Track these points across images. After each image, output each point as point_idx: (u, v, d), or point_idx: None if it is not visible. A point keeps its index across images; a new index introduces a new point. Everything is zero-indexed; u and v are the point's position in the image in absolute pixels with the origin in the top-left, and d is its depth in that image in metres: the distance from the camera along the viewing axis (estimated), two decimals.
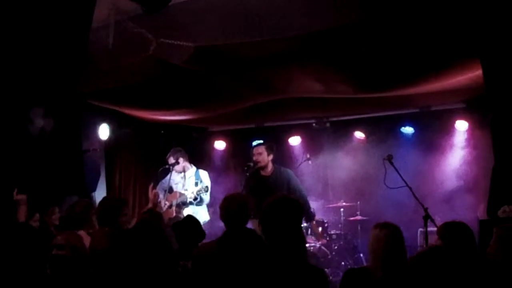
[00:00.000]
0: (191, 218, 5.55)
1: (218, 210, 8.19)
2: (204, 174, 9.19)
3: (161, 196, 9.02)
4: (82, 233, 5.11)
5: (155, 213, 5.93)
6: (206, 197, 8.87)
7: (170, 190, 8.97)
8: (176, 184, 9.11)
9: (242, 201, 4.91)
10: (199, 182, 8.93)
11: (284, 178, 7.90)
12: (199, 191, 8.62)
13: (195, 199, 8.69)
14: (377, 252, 4.16)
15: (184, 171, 9.13)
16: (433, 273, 3.82)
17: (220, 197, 10.42)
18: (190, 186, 8.93)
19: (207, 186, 8.74)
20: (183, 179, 9.12)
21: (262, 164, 7.88)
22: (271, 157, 7.96)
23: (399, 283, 3.99)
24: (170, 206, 8.80)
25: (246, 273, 3.73)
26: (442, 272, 3.85)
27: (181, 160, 8.99)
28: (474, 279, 4.03)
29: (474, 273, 4.08)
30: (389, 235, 4.16)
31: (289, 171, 8.14)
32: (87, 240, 4.62)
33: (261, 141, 8.42)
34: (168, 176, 9.09)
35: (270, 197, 3.90)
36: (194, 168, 9.22)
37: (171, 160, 9.04)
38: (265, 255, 3.75)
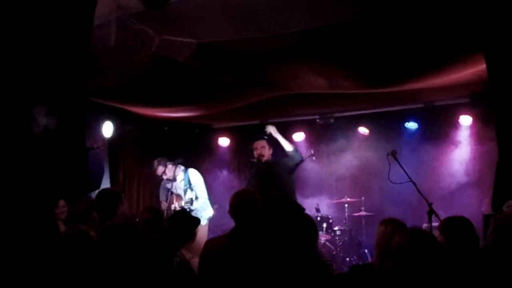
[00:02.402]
0: (182, 213, 5.55)
1: (223, 206, 8.17)
2: (192, 173, 9.22)
3: (163, 197, 9.13)
4: None
5: (156, 210, 5.95)
6: (197, 204, 8.94)
7: (170, 195, 9.06)
8: (175, 189, 9.16)
9: (251, 197, 4.88)
10: (187, 189, 8.95)
11: (279, 166, 8.09)
12: (186, 203, 8.70)
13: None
14: (383, 248, 4.16)
15: (174, 177, 9.15)
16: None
17: (224, 193, 10.50)
18: (182, 193, 9.01)
19: (191, 199, 8.82)
20: (177, 184, 9.17)
21: (266, 158, 8.00)
22: (271, 151, 8.10)
23: (405, 279, 3.98)
24: (174, 209, 8.85)
25: (256, 269, 3.74)
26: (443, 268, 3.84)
27: (169, 166, 9.01)
28: (476, 273, 4.02)
29: (476, 267, 4.07)
30: (394, 231, 4.15)
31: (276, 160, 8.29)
32: None
33: (261, 135, 8.41)
34: (164, 184, 9.18)
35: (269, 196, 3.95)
36: (183, 172, 9.23)
37: (160, 170, 9.06)
38: (272, 251, 3.76)
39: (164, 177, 9.15)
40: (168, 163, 9.08)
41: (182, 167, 9.25)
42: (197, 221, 5.27)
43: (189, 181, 9.07)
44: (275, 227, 3.84)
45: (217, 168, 11.64)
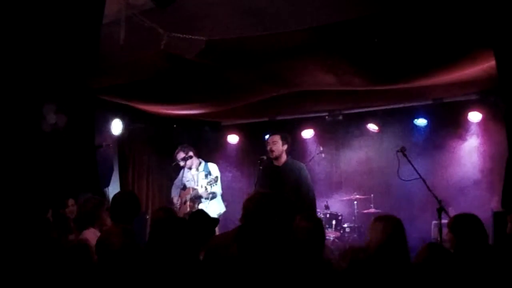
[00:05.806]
0: (201, 213, 5.53)
1: (232, 203, 8.09)
2: (212, 166, 9.34)
3: (175, 193, 9.14)
4: (93, 230, 5.12)
5: (167, 209, 5.95)
6: (217, 188, 8.96)
7: (184, 187, 9.08)
8: (188, 181, 9.21)
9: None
10: (208, 174, 8.99)
11: (295, 170, 7.60)
12: (209, 182, 8.73)
13: (208, 197, 8.79)
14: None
15: (190, 166, 9.29)
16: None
17: (232, 190, 10.50)
18: (201, 180, 9.00)
19: (216, 177, 8.93)
20: (194, 175, 9.21)
21: (276, 153, 7.62)
22: (285, 147, 7.68)
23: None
24: (184, 202, 8.87)
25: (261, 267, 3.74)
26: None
27: (191, 153, 9.09)
28: (487, 270, 4.01)
29: (485, 264, 4.06)
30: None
31: (302, 164, 7.83)
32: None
33: (276, 130, 8.22)
34: (180, 174, 9.22)
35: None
36: (202, 162, 9.38)
37: (181, 155, 9.12)
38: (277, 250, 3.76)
39: (182, 163, 9.20)
40: (190, 152, 9.18)
41: (201, 160, 9.40)
42: (216, 220, 5.24)
43: (208, 169, 9.14)
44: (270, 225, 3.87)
45: (226, 165, 11.65)
